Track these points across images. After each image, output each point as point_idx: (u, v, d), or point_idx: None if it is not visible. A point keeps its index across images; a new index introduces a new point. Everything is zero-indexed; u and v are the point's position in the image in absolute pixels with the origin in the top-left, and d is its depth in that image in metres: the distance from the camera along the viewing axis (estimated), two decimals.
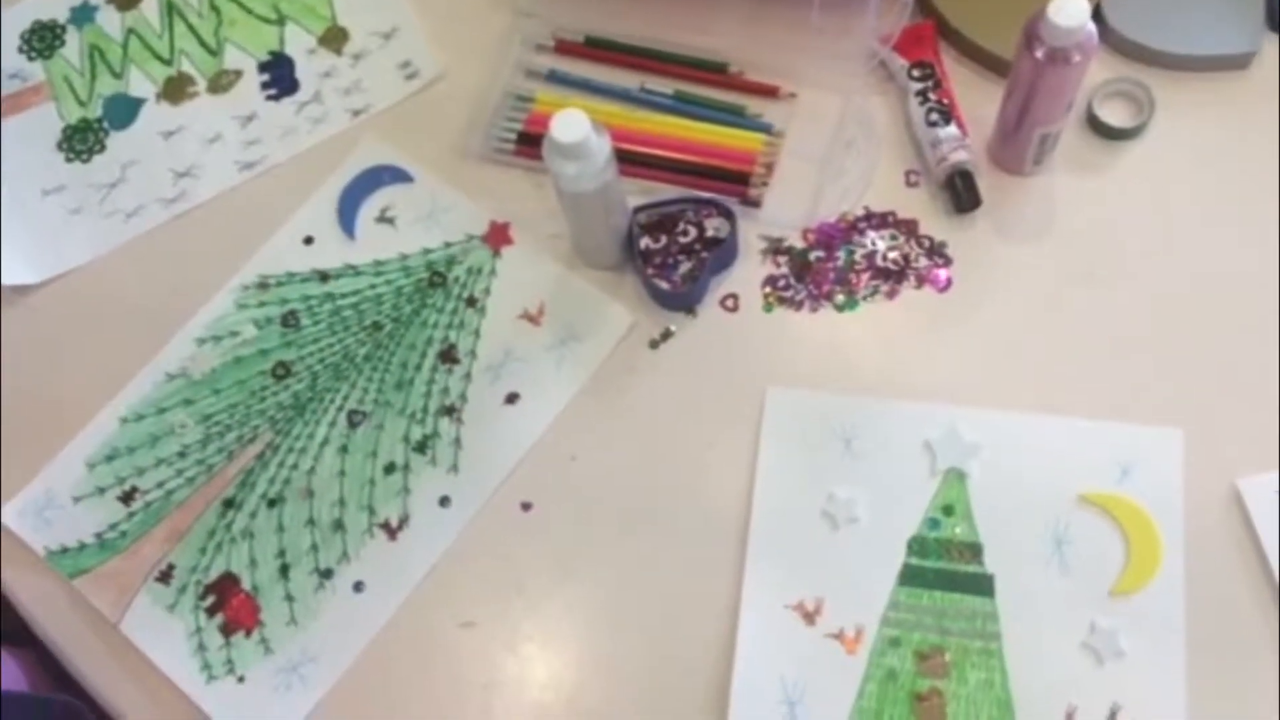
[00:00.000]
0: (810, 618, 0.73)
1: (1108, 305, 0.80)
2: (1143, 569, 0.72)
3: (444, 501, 0.79)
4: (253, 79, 0.95)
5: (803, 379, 0.80)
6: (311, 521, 0.79)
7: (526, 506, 0.79)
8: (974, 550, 0.74)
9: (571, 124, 0.71)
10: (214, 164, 0.92)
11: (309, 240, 0.88)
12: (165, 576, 0.78)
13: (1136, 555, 0.72)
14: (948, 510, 0.75)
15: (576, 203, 0.77)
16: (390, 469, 0.80)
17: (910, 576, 0.74)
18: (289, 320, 0.85)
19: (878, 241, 0.83)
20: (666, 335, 0.82)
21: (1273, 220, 0.81)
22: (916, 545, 0.74)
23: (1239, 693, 0.68)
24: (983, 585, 0.73)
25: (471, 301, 0.85)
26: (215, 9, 0.97)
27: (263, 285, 0.87)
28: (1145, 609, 0.71)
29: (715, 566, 0.75)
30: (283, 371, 0.84)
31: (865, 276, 0.82)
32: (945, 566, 0.73)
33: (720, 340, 0.82)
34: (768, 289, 0.83)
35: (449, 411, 0.81)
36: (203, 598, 0.78)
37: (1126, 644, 0.70)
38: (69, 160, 0.94)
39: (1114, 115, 0.84)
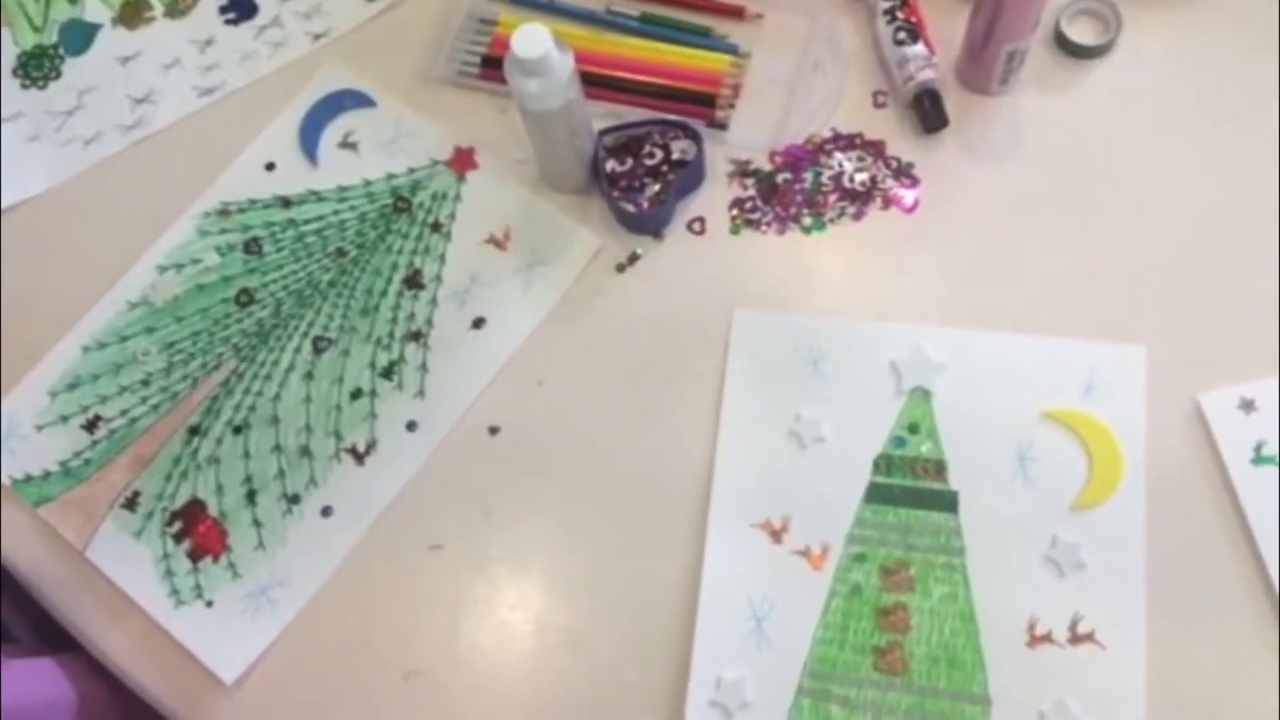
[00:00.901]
0: (777, 536, 0.74)
1: (1073, 224, 0.80)
2: (1104, 483, 0.72)
3: (411, 426, 0.79)
4: (211, 2, 0.93)
5: (770, 301, 0.80)
6: (278, 448, 0.79)
7: (494, 430, 0.79)
8: (939, 467, 0.74)
9: (533, 39, 0.70)
10: (172, 90, 0.90)
11: (271, 166, 0.87)
12: (131, 503, 0.78)
13: (1098, 470, 0.73)
14: (913, 429, 0.75)
15: (540, 123, 0.76)
16: (357, 395, 0.80)
17: (876, 494, 0.74)
18: (252, 247, 0.84)
19: (845, 163, 0.83)
20: (633, 259, 0.82)
21: (1237, 138, 0.81)
22: (882, 463, 0.75)
23: (1197, 602, 0.69)
24: (947, 501, 0.73)
25: (437, 227, 0.84)
26: None
27: (224, 212, 0.85)
28: (1106, 522, 0.71)
29: (682, 487, 0.75)
30: (246, 298, 0.83)
31: (832, 198, 0.82)
32: (910, 484, 0.74)
33: (687, 263, 0.82)
34: (735, 212, 0.82)
35: (415, 337, 0.81)
36: (169, 524, 0.77)
37: (1088, 557, 0.71)
38: (25, 87, 0.92)
39: (1081, 34, 0.84)
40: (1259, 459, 0.71)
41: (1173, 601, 0.69)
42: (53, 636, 0.79)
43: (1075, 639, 0.69)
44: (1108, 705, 0.67)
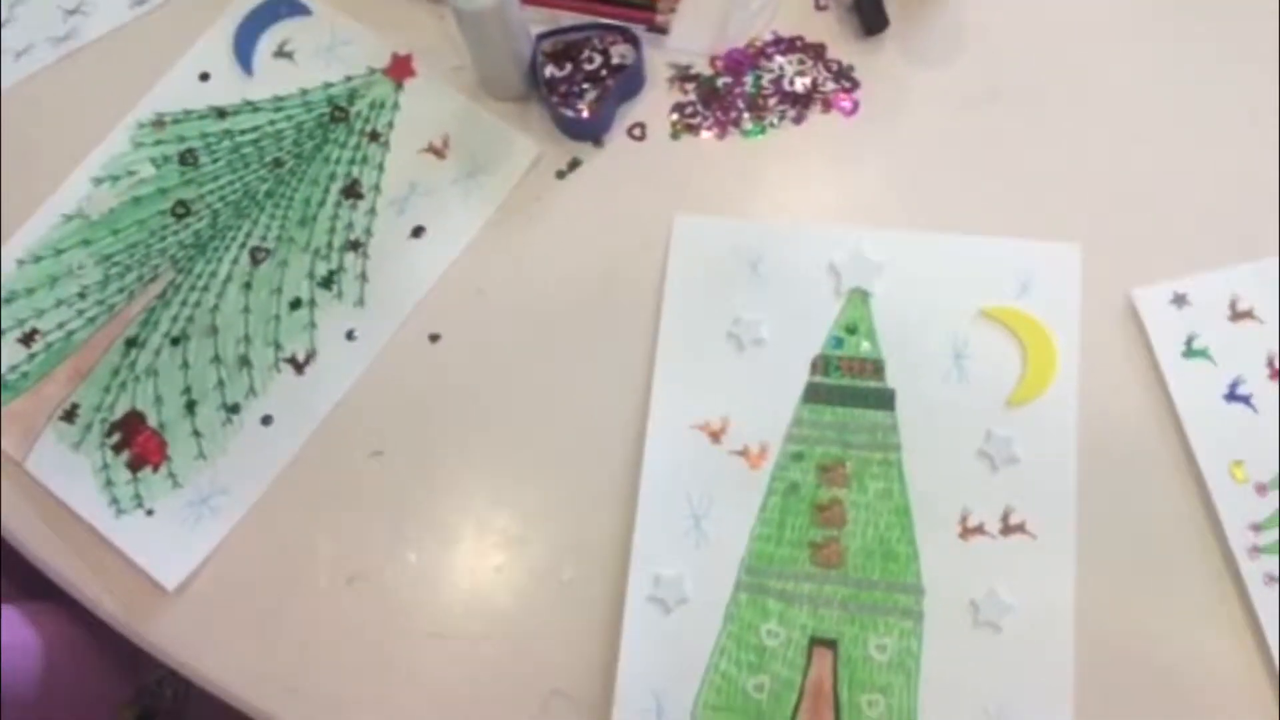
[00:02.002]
0: (716, 436, 0.74)
1: (1011, 125, 0.80)
2: (1038, 379, 0.73)
3: (350, 335, 0.78)
4: None
5: (710, 206, 0.80)
6: (217, 358, 0.78)
7: (435, 338, 0.78)
8: (876, 366, 0.75)
9: None
10: (104, 1, 0.88)
11: (205, 77, 0.85)
12: (70, 415, 0.78)
13: (1033, 366, 0.73)
14: (851, 329, 0.76)
15: (476, 24, 0.75)
16: (296, 304, 0.79)
17: (813, 394, 0.75)
18: (187, 158, 0.83)
19: (785, 67, 0.82)
20: (574, 165, 0.81)
21: (1172, 37, 0.81)
22: (820, 364, 0.75)
23: (1126, 492, 0.70)
24: (884, 399, 0.74)
25: (374, 136, 0.83)
26: None
27: (159, 123, 0.84)
28: (1039, 417, 0.72)
29: (623, 393, 0.76)
30: (182, 210, 0.82)
31: (773, 102, 0.81)
32: (848, 383, 0.75)
33: (628, 169, 0.81)
34: (675, 117, 0.82)
35: (354, 246, 0.80)
36: (108, 435, 0.77)
37: (1020, 450, 0.71)
38: None
39: None
40: (1190, 352, 0.72)
41: (1102, 491, 0.70)
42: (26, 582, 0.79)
43: (1007, 530, 0.70)
44: (1037, 592, 0.68)
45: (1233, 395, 0.71)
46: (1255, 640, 0.66)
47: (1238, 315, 0.72)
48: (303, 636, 0.73)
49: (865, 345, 0.75)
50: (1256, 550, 0.67)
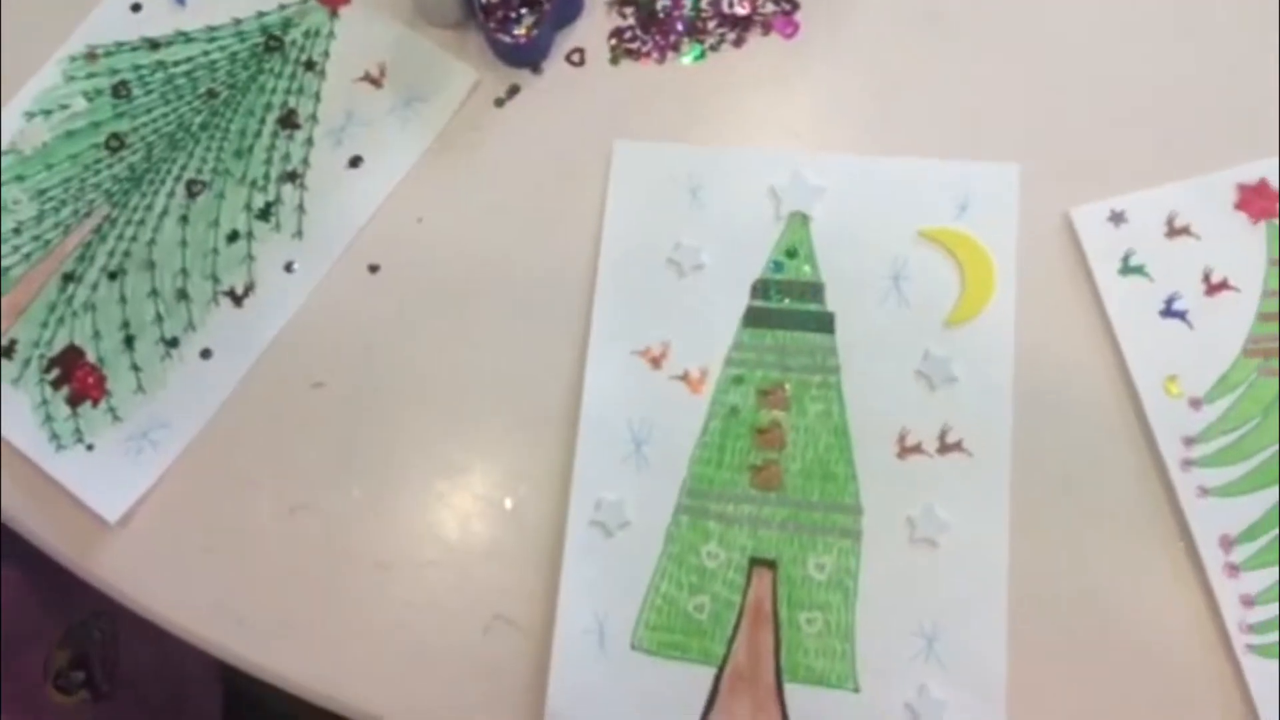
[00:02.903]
0: (656, 362, 0.74)
1: (952, 46, 0.79)
2: (975, 299, 0.73)
3: (289, 267, 0.78)
4: None
5: (650, 131, 0.79)
6: (154, 292, 0.78)
7: (374, 269, 0.78)
8: (816, 290, 0.75)
9: None
10: None
11: (136, 8, 0.84)
12: (8, 352, 0.77)
13: (971, 286, 0.73)
14: (791, 253, 0.76)
15: None
16: (233, 237, 0.79)
17: (754, 318, 0.75)
18: (120, 91, 0.82)
19: None
20: (512, 92, 0.81)
21: None
22: (760, 288, 0.75)
23: (1062, 409, 0.71)
24: (823, 322, 0.74)
25: (310, 65, 0.82)
26: None
27: (90, 56, 0.83)
28: (977, 336, 0.72)
29: (563, 321, 0.75)
30: (116, 143, 0.81)
31: (713, 25, 0.80)
32: (788, 306, 0.74)
33: (567, 96, 0.80)
34: (614, 41, 0.81)
35: (291, 177, 0.79)
36: (47, 371, 0.76)
37: (958, 370, 0.72)
38: None
39: None
40: (1126, 269, 0.72)
41: (1038, 408, 0.70)
42: None
43: (944, 448, 0.71)
44: (973, 508, 0.69)
45: (1169, 311, 0.71)
46: (1187, 552, 0.67)
47: (1174, 232, 0.72)
48: (247, 567, 0.73)
49: (805, 269, 0.75)
50: (1189, 463, 0.68)
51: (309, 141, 0.80)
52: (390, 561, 0.73)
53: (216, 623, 0.72)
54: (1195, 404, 0.69)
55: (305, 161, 0.79)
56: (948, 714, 0.66)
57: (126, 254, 0.78)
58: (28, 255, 0.79)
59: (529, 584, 0.71)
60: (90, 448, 0.75)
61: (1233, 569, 0.66)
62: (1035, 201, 0.74)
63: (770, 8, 0.80)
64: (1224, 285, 0.71)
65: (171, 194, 0.79)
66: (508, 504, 0.73)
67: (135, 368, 0.76)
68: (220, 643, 0.72)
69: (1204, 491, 0.67)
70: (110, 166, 0.80)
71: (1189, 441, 0.68)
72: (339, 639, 0.71)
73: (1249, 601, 0.66)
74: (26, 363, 0.77)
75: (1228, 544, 0.67)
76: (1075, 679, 0.66)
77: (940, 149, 0.76)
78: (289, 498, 0.74)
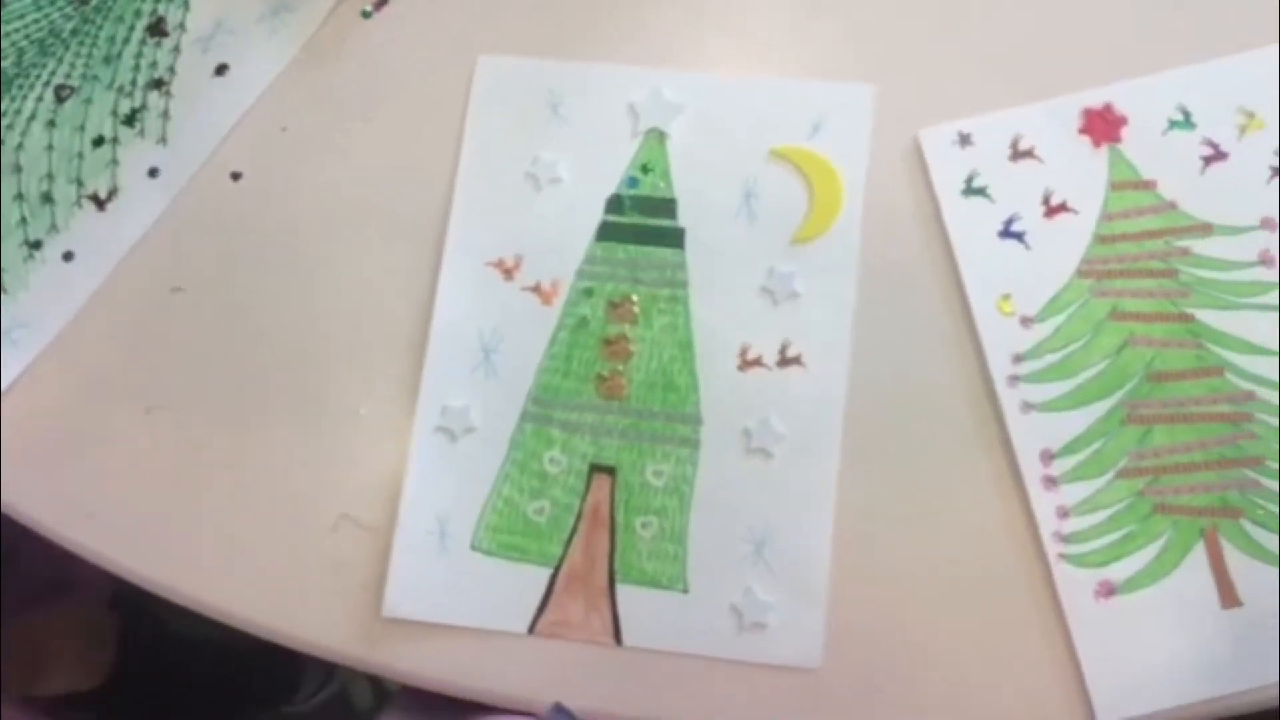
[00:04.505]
0: (509, 273, 0.76)
1: None
2: (823, 218, 0.74)
3: (153, 173, 0.79)
4: None
5: (516, 47, 0.79)
6: (20, 195, 0.79)
7: (236, 176, 0.79)
8: (668, 206, 0.76)
9: None
10: None
11: None
12: None
13: (818, 205, 0.75)
14: (646, 169, 0.76)
15: None
16: (99, 142, 0.79)
17: (607, 232, 0.76)
18: None
19: None
20: (380, 4, 0.81)
21: None
22: (614, 203, 0.76)
23: (899, 326, 0.72)
24: (674, 238, 0.75)
25: None
26: None
27: None
28: (822, 254, 0.74)
29: (420, 231, 0.76)
30: None
31: None
32: (640, 221, 0.76)
33: (433, 9, 0.80)
34: None
35: (158, 84, 0.80)
36: None
37: (801, 286, 0.73)
38: None
39: None
40: (969, 190, 0.73)
41: (876, 325, 0.72)
42: None
43: (783, 362, 0.72)
44: (807, 420, 0.71)
45: (1007, 232, 0.72)
46: (1008, 461, 0.69)
47: (1018, 155, 0.74)
48: (101, 465, 0.75)
49: (660, 184, 0.76)
50: (1015, 379, 0.70)
51: (177, 49, 0.80)
52: (240, 463, 0.74)
53: (69, 518, 0.74)
54: (1026, 322, 0.71)
55: (172, 69, 0.80)
56: (771, 615, 0.68)
57: None
58: None
59: (376, 487, 0.73)
60: None
61: (1050, 481, 0.68)
62: (889, 123, 0.75)
63: None
64: (1063, 208, 0.72)
65: (40, 99, 0.80)
66: (362, 411, 0.74)
67: None
68: (73, 538, 0.74)
69: (1028, 406, 0.69)
70: None
71: (1018, 359, 0.70)
72: (189, 537, 0.73)
73: (1064, 513, 0.68)
74: None
75: (1047, 458, 0.68)
76: (894, 585, 0.68)
77: (798, 69, 0.77)
78: (144, 398, 0.75)
